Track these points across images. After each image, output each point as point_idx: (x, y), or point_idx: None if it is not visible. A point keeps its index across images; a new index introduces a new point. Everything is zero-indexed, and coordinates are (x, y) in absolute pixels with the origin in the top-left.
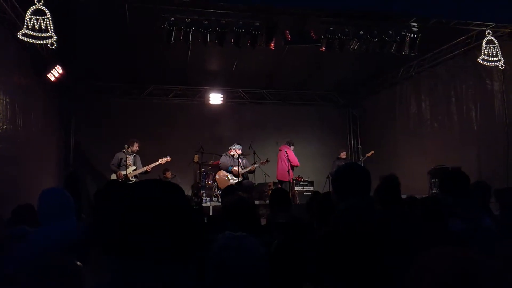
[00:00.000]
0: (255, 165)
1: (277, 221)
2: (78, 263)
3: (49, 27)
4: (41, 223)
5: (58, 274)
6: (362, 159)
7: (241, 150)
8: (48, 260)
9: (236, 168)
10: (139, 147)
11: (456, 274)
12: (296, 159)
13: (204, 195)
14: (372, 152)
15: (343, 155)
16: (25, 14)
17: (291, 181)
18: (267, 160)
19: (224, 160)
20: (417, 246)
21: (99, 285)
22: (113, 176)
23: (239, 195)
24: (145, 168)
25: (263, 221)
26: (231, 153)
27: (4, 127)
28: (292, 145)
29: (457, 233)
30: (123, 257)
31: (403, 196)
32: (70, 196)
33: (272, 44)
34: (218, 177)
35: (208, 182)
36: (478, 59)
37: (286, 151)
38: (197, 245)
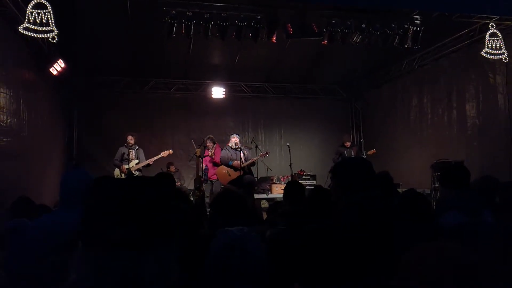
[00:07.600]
0: (255, 158)
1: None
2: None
3: (50, 21)
4: (61, 209)
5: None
6: (364, 153)
7: (238, 139)
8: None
9: (237, 161)
10: (134, 140)
11: (442, 270)
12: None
13: None
14: (374, 151)
15: (347, 144)
16: (26, 8)
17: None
18: (266, 153)
19: (224, 154)
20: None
21: (79, 276)
22: (117, 171)
23: (226, 188)
24: (147, 162)
25: (265, 215)
26: (229, 144)
27: (8, 120)
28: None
29: (449, 227)
30: (95, 248)
31: (404, 189)
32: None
33: (274, 38)
34: (218, 172)
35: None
36: (481, 52)
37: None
38: (169, 236)
